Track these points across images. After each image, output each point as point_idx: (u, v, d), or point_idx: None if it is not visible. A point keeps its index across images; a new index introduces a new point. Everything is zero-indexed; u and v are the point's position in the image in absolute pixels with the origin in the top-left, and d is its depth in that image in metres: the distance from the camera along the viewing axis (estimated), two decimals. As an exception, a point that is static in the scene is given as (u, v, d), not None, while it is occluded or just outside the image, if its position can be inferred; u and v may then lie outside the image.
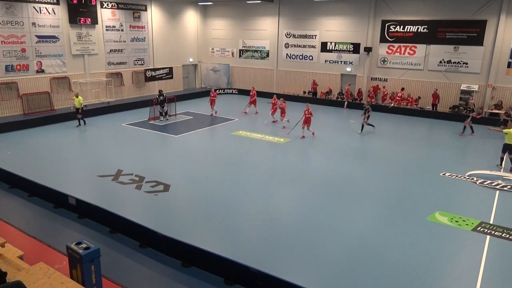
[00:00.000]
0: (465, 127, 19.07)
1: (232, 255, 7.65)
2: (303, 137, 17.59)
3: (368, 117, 19.02)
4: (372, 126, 19.27)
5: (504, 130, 14.44)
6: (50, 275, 5.49)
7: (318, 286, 7.34)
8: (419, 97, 24.30)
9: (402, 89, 24.74)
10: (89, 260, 5.90)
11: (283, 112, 19.80)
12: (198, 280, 7.58)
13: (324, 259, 8.28)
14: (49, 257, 7.87)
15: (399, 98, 24.31)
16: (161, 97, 20.55)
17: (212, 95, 22.15)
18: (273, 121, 20.72)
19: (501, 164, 14.36)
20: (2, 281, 5.08)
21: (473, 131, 19.04)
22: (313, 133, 18.02)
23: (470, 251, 8.85)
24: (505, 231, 9.60)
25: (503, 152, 14.24)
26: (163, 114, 20.75)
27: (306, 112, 17.61)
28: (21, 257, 6.43)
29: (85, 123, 19.44)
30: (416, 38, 24.12)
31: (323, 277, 7.68)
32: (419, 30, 23.97)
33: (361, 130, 19.02)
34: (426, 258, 8.37)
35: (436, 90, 23.43)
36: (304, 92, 28.35)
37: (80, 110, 19.09)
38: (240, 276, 7.36)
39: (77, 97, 18.86)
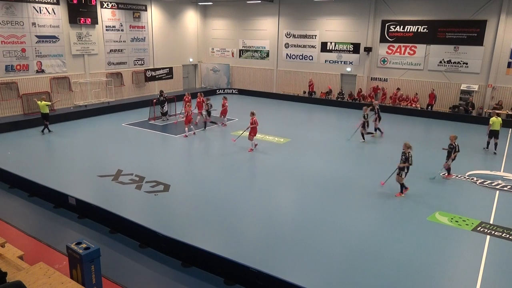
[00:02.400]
0: (362, 134, 17.44)
1: (232, 255, 7.65)
2: (251, 150, 15.51)
3: (209, 113, 18.77)
4: (214, 123, 19.39)
5: (490, 120, 16.03)
6: (50, 275, 5.49)
7: (318, 286, 7.34)
8: (416, 93, 24.34)
9: (398, 89, 24.80)
10: (89, 260, 5.90)
11: (197, 106, 19.78)
12: (198, 280, 7.57)
13: (324, 259, 8.28)
14: (49, 257, 7.87)
15: (395, 97, 24.55)
16: (161, 98, 20.53)
17: (186, 99, 19.97)
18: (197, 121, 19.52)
19: (487, 147, 16.43)
20: (2, 281, 5.09)
21: (364, 138, 17.44)
22: (251, 149, 15.54)
23: (470, 251, 8.85)
24: (505, 231, 9.60)
25: (489, 137, 16.22)
26: (163, 114, 20.75)
27: (251, 121, 15.38)
28: (21, 257, 6.43)
29: (49, 130, 17.88)
30: (416, 38, 24.12)
31: (323, 277, 7.68)
32: (419, 30, 23.98)
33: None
34: (426, 258, 8.37)
35: (433, 90, 23.44)
36: (304, 92, 28.36)
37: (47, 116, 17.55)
38: (240, 276, 7.36)
39: (44, 101, 17.48)
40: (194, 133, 18.06)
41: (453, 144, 12.86)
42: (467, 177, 13.23)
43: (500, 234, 9.46)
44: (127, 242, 8.88)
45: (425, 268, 8.03)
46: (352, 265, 8.08)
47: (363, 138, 17.54)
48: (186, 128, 17.71)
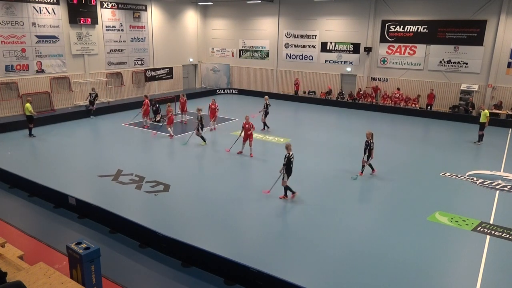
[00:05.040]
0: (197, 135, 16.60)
1: (232, 255, 7.65)
2: (241, 152, 15.03)
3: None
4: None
5: (483, 112, 17.24)
6: (50, 275, 5.50)
7: (318, 286, 7.34)
8: (419, 95, 24.31)
9: (398, 89, 24.82)
10: (89, 260, 5.91)
11: (180, 106, 19.80)
12: (198, 280, 7.57)
13: (324, 259, 8.28)
14: (49, 257, 7.87)
15: (396, 98, 24.57)
16: (154, 108, 20.50)
17: (182, 100, 20.10)
18: (181, 120, 20.49)
19: (479, 141, 17.34)
20: (2, 281, 5.09)
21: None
22: (251, 154, 14.92)
23: (470, 251, 8.85)
24: (505, 231, 9.60)
25: (480, 130, 17.32)
26: (158, 121, 20.49)
27: (246, 125, 14.72)
28: (21, 257, 6.43)
29: (30, 134, 17.20)
30: (416, 38, 24.11)
31: (323, 277, 7.68)
32: (419, 30, 23.97)
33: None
34: (426, 258, 8.37)
35: (432, 90, 23.43)
36: (304, 92, 28.37)
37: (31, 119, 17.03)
38: (240, 276, 7.36)
39: (30, 103, 16.98)
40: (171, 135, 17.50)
41: (369, 141, 12.76)
42: (467, 177, 13.22)
43: (500, 234, 9.46)
44: (127, 242, 8.88)
45: (425, 268, 8.03)
46: (352, 265, 8.08)
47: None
48: (169, 129, 17.34)
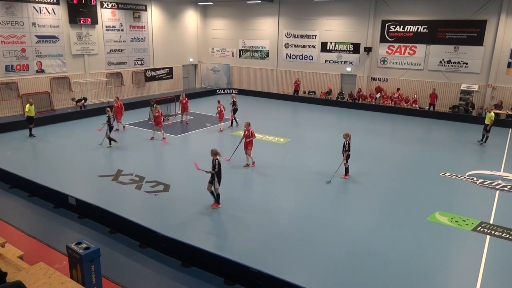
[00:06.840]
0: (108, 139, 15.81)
1: (232, 255, 7.65)
2: (247, 165, 13.84)
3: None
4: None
5: (488, 114, 17.29)
6: (50, 275, 5.49)
7: (318, 286, 7.34)
8: (416, 94, 24.33)
9: (398, 89, 24.83)
10: (89, 260, 5.91)
11: (184, 108, 20.17)
12: (198, 280, 7.57)
13: (324, 259, 8.28)
14: (49, 257, 7.87)
15: (395, 98, 24.63)
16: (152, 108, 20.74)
17: (183, 100, 20.21)
18: (182, 121, 20.70)
19: (482, 140, 17.43)
20: (2, 281, 5.09)
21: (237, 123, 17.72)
22: (253, 163, 13.83)
23: (470, 251, 8.85)
24: (505, 231, 9.60)
25: (484, 130, 17.44)
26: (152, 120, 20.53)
27: (246, 132, 13.57)
28: (21, 257, 6.43)
29: (30, 135, 17.17)
30: (416, 38, 24.12)
31: (323, 277, 7.68)
32: (419, 30, 23.98)
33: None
34: (426, 258, 8.37)
35: (434, 90, 23.44)
36: (304, 92, 28.37)
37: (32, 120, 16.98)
38: (240, 276, 7.36)
39: (31, 105, 16.87)
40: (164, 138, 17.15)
41: (346, 142, 12.55)
42: (467, 177, 13.22)
43: (500, 234, 9.46)
44: (127, 242, 8.87)
45: (425, 268, 8.02)
46: (352, 265, 8.08)
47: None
48: (162, 131, 17.02)
